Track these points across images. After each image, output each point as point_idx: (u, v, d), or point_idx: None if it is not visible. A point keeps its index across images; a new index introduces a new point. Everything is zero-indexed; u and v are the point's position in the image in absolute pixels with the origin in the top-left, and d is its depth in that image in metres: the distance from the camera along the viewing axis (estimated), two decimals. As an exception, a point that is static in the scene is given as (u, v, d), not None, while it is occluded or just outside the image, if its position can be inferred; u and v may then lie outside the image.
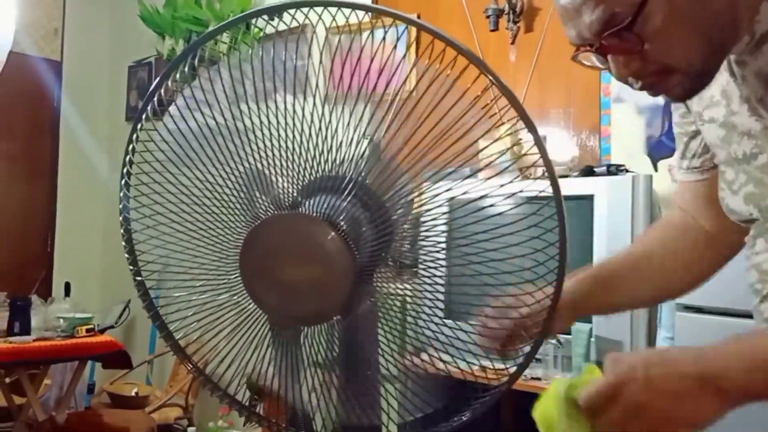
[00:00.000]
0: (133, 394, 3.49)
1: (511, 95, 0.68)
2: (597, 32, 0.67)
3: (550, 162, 0.69)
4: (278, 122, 0.74)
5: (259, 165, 0.75)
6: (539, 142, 0.69)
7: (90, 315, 2.99)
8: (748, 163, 0.74)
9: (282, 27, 0.72)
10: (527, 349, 0.77)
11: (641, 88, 0.71)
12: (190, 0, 3.62)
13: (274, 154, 0.74)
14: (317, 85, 0.75)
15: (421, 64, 0.71)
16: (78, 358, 2.94)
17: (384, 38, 0.71)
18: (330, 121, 0.73)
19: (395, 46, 0.73)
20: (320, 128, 0.72)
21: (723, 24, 0.67)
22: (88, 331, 2.87)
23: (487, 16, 2.64)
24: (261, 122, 0.74)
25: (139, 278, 0.77)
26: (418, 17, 2.90)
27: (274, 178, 0.76)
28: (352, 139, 0.74)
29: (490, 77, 0.66)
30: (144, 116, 0.74)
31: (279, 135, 0.74)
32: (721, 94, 0.76)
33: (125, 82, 4.32)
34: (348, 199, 0.73)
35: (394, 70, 0.72)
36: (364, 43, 0.72)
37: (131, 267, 0.78)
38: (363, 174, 0.76)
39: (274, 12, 0.71)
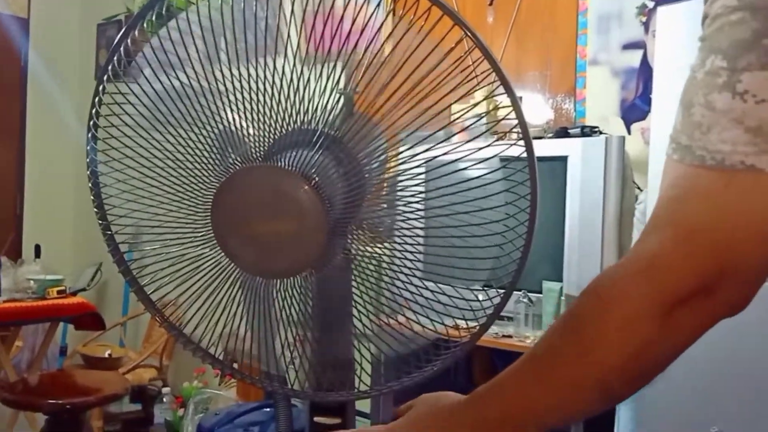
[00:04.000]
0: (106, 355, 3.49)
1: (489, 56, 0.68)
2: None
3: (527, 126, 0.69)
4: (248, 75, 0.72)
5: (230, 119, 0.74)
6: (516, 105, 0.69)
7: (61, 277, 2.96)
8: None
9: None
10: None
11: None
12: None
13: (245, 107, 0.73)
14: (289, 39, 0.73)
15: (400, 19, 0.70)
16: (49, 319, 2.92)
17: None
18: (302, 73, 0.72)
19: (378, 4, 0.71)
20: (292, 80, 0.70)
21: None
22: (59, 292, 2.85)
23: (465, -24, 2.60)
24: (232, 75, 0.72)
25: (108, 233, 0.76)
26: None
27: (245, 132, 0.75)
28: (324, 93, 0.73)
29: (470, 35, 0.65)
30: (110, 69, 0.72)
31: (250, 87, 0.72)
32: None
33: (94, 41, 4.20)
34: (320, 152, 0.73)
35: (372, 25, 0.71)
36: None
37: (100, 222, 0.77)
38: (335, 128, 0.75)
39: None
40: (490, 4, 2.63)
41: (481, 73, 0.70)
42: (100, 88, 0.72)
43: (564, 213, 1.96)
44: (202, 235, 0.75)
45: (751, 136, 0.49)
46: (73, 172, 4.14)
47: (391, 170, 0.81)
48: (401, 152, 0.78)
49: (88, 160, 0.74)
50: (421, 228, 0.78)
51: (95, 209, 0.76)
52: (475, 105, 0.77)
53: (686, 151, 0.53)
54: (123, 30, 0.70)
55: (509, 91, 0.69)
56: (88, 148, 0.74)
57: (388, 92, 0.73)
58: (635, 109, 2.29)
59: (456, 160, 0.75)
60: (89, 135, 0.74)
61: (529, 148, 0.70)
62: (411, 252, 0.78)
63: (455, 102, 0.74)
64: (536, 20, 2.54)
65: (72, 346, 3.74)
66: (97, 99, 0.71)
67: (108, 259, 0.79)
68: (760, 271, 0.53)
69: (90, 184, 0.75)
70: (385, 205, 0.83)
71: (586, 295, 0.56)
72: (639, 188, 2.03)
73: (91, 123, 0.73)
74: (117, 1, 3.83)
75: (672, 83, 1.60)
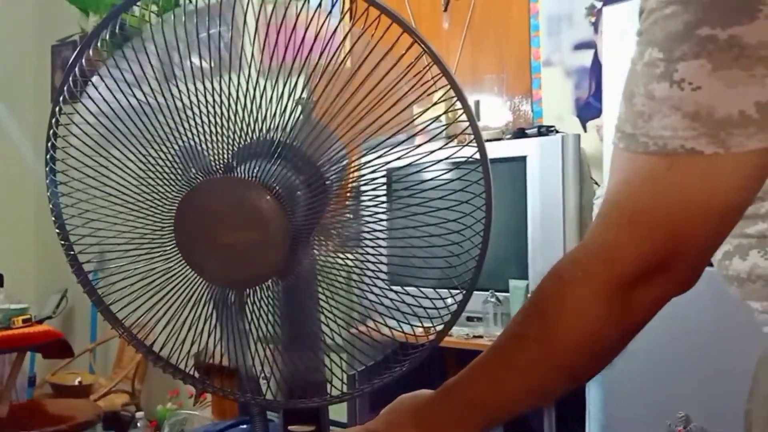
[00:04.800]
0: (76, 383, 3.42)
1: (438, 60, 0.70)
2: None
3: (478, 127, 0.72)
4: (204, 89, 0.73)
5: (189, 134, 0.75)
6: (467, 107, 0.71)
7: (26, 305, 2.90)
8: None
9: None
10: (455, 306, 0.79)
11: None
12: (112, -27, 3.49)
13: (203, 121, 0.74)
14: (243, 51, 0.75)
15: (351, 27, 0.72)
16: (16, 349, 2.86)
17: (320, 4, 0.71)
18: (257, 84, 0.73)
19: (330, 12, 0.73)
20: (247, 91, 0.72)
21: None
22: (24, 321, 2.79)
23: (418, -16, 2.65)
24: (188, 90, 0.73)
25: (71, 253, 0.76)
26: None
27: (204, 146, 0.75)
28: (283, 103, 0.74)
29: (423, 45, 0.67)
30: (66, 89, 0.72)
31: (207, 101, 0.73)
32: None
33: (49, 62, 4.14)
34: (279, 162, 0.74)
35: (325, 35, 0.73)
36: (299, 10, 0.73)
37: (63, 242, 0.77)
38: (293, 137, 0.77)
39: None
40: (445, 10, 2.68)
41: (432, 77, 0.73)
42: (57, 109, 0.72)
43: (526, 212, 2.01)
44: (168, 250, 0.75)
45: (689, 121, 0.52)
46: (33, 197, 4.06)
47: (350, 176, 0.83)
48: (360, 158, 0.79)
49: (47, 180, 0.74)
50: (382, 231, 0.80)
51: (57, 230, 0.76)
52: (427, 109, 0.80)
53: (631, 139, 0.55)
54: (77, 50, 0.71)
55: (459, 95, 0.72)
56: (47, 169, 0.74)
57: (344, 99, 0.75)
58: (590, 108, 2.35)
59: (411, 163, 0.77)
60: (47, 156, 0.74)
61: (481, 148, 0.72)
62: (373, 255, 0.80)
63: (409, 106, 0.77)
64: (490, 24, 2.60)
65: (41, 376, 3.66)
66: (54, 120, 0.72)
67: (73, 284, 0.79)
68: (706, 247, 0.56)
69: (51, 205, 0.75)
70: (346, 211, 0.84)
71: (547, 278, 0.59)
72: (597, 183, 2.09)
73: (49, 144, 0.73)
74: (72, 22, 3.79)
75: (621, 80, 1.65)
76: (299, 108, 0.77)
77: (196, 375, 0.84)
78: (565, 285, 0.57)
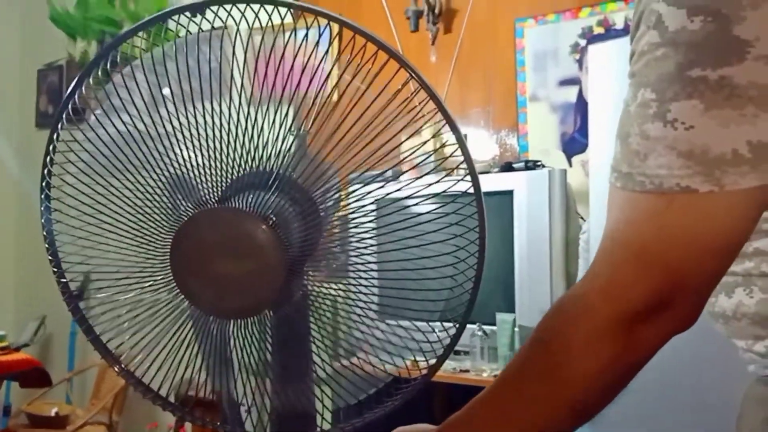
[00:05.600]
0: (53, 414, 3.34)
1: (434, 96, 0.71)
2: None
3: (472, 162, 0.73)
4: (196, 122, 0.74)
5: (187, 165, 0.75)
6: (462, 142, 0.72)
7: (3, 332, 2.84)
8: None
9: (204, 26, 0.73)
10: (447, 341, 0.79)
11: None
12: (103, -1, 3.51)
13: (201, 154, 0.75)
14: (241, 85, 0.76)
15: (348, 63, 0.73)
16: (-8, 377, 2.80)
17: (306, 36, 0.72)
18: (253, 118, 0.74)
19: (317, 43, 0.74)
20: (239, 123, 0.72)
21: None
22: (1, 349, 2.74)
23: (408, 17, 2.69)
24: (180, 124, 0.73)
25: (63, 281, 0.75)
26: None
27: (199, 179, 0.76)
28: (277, 136, 0.75)
29: (415, 76, 0.69)
30: (60, 125, 0.72)
31: (199, 135, 0.74)
32: None
33: (35, 86, 4.13)
34: (276, 193, 0.75)
35: (314, 65, 0.74)
36: (287, 41, 0.74)
37: (55, 270, 0.76)
38: (290, 168, 0.77)
39: (197, 9, 0.71)
40: (433, 44, 2.72)
41: (428, 112, 0.74)
42: (54, 136, 0.72)
43: (513, 245, 2.02)
44: (160, 279, 0.75)
45: (684, 160, 0.53)
46: (13, 223, 4.00)
47: (344, 208, 0.83)
48: (353, 191, 0.80)
49: (42, 207, 0.74)
50: (375, 263, 0.80)
51: (49, 257, 0.75)
52: (424, 143, 0.81)
53: (627, 179, 0.56)
54: (77, 77, 0.71)
55: (454, 129, 0.73)
56: (42, 196, 0.74)
57: (341, 132, 0.76)
58: (575, 143, 2.39)
59: (407, 197, 0.78)
60: (43, 183, 0.74)
61: (475, 183, 0.73)
62: (366, 287, 0.80)
63: (405, 140, 0.78)
64: (477, 59, 2.64)
65: (16, 405, 3.56)
66: (51, 147, 0.72)
67: (52, 311, 0.78)
68: (707, 284, 0.57)
69: (44, 232, 0.75)
70: (339, 243, 0.85)
71: (551, 314, 0.59)
72: (582, 218, 2.11)
73: (45, 171, 0.73)
74: (58, 47, 3.79)
75: (606, 116, 1.69)
76: (294, 138, 0.78)
77: (183, 407, 0.83)
78: (570, 321, 0.57)
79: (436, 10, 2.67)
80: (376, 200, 0.78)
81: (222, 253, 0.69)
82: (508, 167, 2.11)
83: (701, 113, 0.52)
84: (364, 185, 0.79)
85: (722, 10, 0.52)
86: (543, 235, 1.95)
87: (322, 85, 0.74)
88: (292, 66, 0.74)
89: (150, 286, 0.76)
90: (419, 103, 0.73)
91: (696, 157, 0.53)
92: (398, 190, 0.78)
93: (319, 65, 0.74)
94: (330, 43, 0.74)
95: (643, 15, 0.57)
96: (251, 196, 0.73)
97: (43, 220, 0.74)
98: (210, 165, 0.75)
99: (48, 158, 0.71)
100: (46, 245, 0.74)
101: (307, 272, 0.79)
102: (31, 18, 4.02)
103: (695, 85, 0.53)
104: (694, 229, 0.54)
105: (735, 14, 0.52)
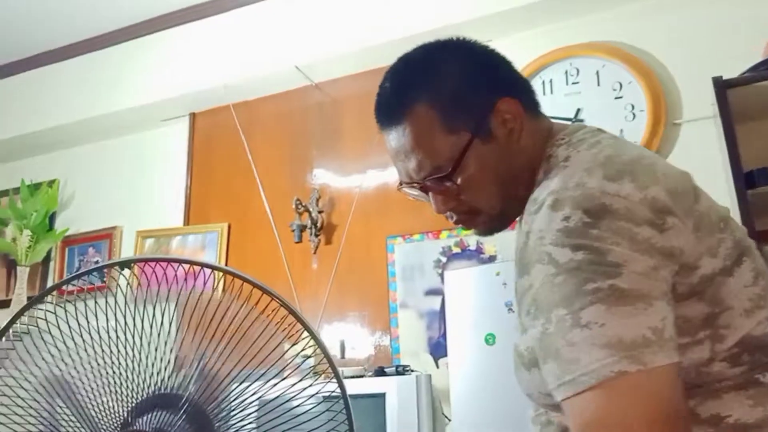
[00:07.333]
0: None
1: (303, 323, 0.92)
2: (422, 176, 0.84)
3: (337, 370, 0.92)
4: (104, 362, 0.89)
5: (87, 397, 0.88)
6: (327, 355, 0.92)
7: None
8: None
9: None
10: None
11: (456, 222, 0.88)
12: (-11, 198, 3.47)
13: (101, 390, 0.89)
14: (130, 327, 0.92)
15: (233, 299, 0.93)
16: None
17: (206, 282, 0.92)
18: (152, 350, 0.90)
19: (205, 282, 0.95)
20: (134, 356, 0.88)
21: (520, 178, 0.84)
22: None
23: (292, 230, 2.98)
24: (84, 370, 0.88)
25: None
26: (229, 228, 3.18)
27: (102, 406, 0.88)
28: (167, 359, 0.91)
29: (295, 316, 0.90)
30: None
31: (105, 373, 0.89)
32: None
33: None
34: (172, 412, 0.89)
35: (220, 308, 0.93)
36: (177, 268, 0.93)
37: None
38: (186, 389, 0.93)
39: (113, 266, 0.90)
40: (315, 253, 3.00)
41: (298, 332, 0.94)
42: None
43: (385, 445, 2.14)
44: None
45: (608, 350, 0.64)
46: None
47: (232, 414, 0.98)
48: (239, 400, 0.96)
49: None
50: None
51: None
52: (299, 353, 1.00)
53: (573, 384, 0.66)
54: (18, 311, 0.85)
55: (320, 346, 0.93)
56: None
57: (228, 354, 0.94)
58: (439, 347, 2.64)
59: (287, 401, 0.95)
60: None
61: (341, 386, 0.92)
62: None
63: (287, 351, 0.96)
64: (354, 268, 2.93)
65: None
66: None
67: None
68: None
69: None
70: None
71: None
72: (448, 418, 2.29)
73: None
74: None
75: (461, 332, 1.97)
76: (193, 366, 0.95)
77: None
78: None
79: (318, 224, 2.99)
80: (257, 400, 0.94)
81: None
82: (380, 372, 2.30)
83: (606, 312, 0.65)
84: (248, 396, 0.95)
85: (594, 244, 0.67)
86: (412, 436, 2.10)
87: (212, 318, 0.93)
88: (197, 303, 0.93)
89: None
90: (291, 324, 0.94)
91: (614, 346, 0.64)
92: (278, 396, 0.95)
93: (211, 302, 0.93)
94: (215, 288, 0.95)
95: (531, 260, 0.72)
96: (151, 417, 0.87)
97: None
98: (113, 394, 0.89)
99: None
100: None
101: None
102: None
103: (594, 294, 0.66)
104: (637, 405, 0.63)
105: (604, 248, 0.67)
